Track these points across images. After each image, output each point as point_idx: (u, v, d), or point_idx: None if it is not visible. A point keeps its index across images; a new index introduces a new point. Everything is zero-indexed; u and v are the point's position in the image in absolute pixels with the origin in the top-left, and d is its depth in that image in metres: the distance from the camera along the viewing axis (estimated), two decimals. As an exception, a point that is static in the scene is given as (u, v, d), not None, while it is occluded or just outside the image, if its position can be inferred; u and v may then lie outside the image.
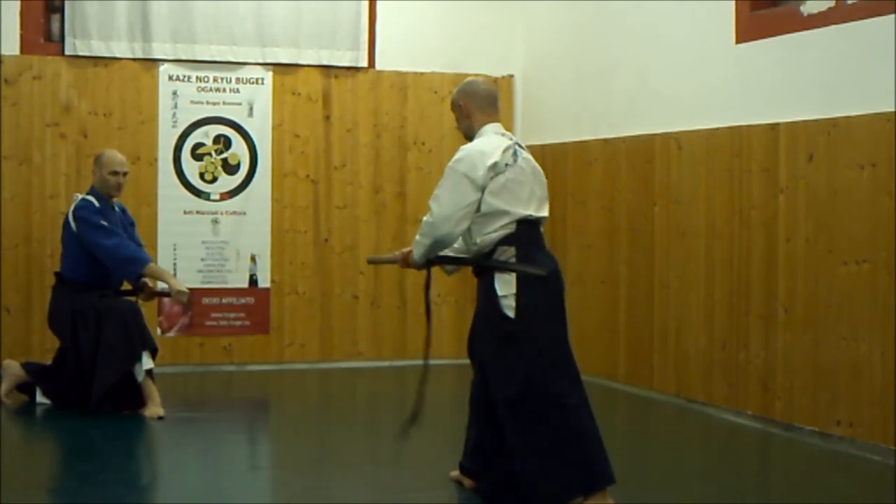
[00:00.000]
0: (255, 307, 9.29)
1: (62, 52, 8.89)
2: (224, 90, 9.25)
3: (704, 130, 7.74)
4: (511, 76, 9.88)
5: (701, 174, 7.77)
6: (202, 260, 9.17)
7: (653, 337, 8.20)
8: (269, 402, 8.60)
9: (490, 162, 5.08)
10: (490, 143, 5.20)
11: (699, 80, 7.85)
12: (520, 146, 5.29)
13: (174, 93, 9.13)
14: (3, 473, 5.78)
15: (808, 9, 6.96)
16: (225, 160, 9.25)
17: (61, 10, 8.92)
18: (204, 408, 7.71)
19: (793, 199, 6.99)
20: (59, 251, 8.78)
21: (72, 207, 7.58)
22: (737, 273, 7.43)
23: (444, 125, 9.69)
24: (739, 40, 7.49)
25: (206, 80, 9.19)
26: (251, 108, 9.30)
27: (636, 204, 8.42)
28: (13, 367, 7.72)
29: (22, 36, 8.82)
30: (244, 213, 9.28)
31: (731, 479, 6.10)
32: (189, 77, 9.16)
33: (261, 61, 9.29)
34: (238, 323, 9.28)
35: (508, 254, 5.12)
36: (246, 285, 9.28)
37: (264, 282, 9.32)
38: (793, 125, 6.99)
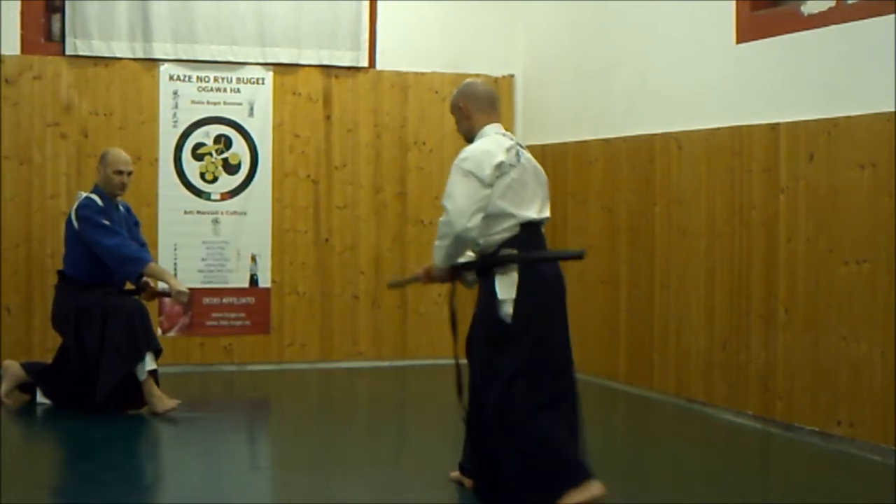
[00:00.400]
0: (255, 307, 9.30)
1: (63, 52, 8.89)
2: (225, 90, 9.26)
3: (705, 130, 7.74)
4: (511, 76, 9.88)
5: (701, 174, 7.77)
6: (203, 260, 9.17)
7: (653, 337, 8.20)
8: (270, 402, 8.60)
9: (496, 161, 5.09)
10: (494, 142, 5.20)
11: (700, 80, 7.85)
12: (520, 146, 5.30)
13: (175, 93, 9.14)
14: (3, 473, 5.78)
15: (808, 9, 6.96)
16: (225, 160, 9.25)
17: (62, 10, 8.92)
18: (204, 408, 7.71)
19: (793, 199, 6.98)
20: (59, 251, 8.79)
21: (74, 206, 7.58)
22: (737, 273, 7.43)
23: (444, 125, 9.68)
24: (740, 40, 7.49)
25: (206, 79, 9.19)
26: (252, 108, 9.30)
27: (637, 204, 8.42)
28: (13, 368, 7.72)
29: (22, 36, 8.82)
30: (245, 213, 9.28)
31: (731, 480, 6.10)
32: (190, 77, 9.16)
33: (261, 61, 9.29)
34: (238, 323, 9.28)
35: (511, 256, 5.13)
36: (246, 285, 9.28)
37: (265, 282, 9.32)
38: (793, 125, 6.99)
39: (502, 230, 5.13)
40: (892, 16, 6.33)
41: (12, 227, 8.75)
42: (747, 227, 7.34)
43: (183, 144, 9.14)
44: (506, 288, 5.11)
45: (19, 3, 8.78)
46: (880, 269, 6.38)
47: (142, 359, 7.32)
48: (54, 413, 7.44)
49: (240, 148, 9.27)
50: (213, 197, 9.21)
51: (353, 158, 9.55)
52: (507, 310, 5.10)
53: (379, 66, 9.60)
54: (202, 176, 9.20)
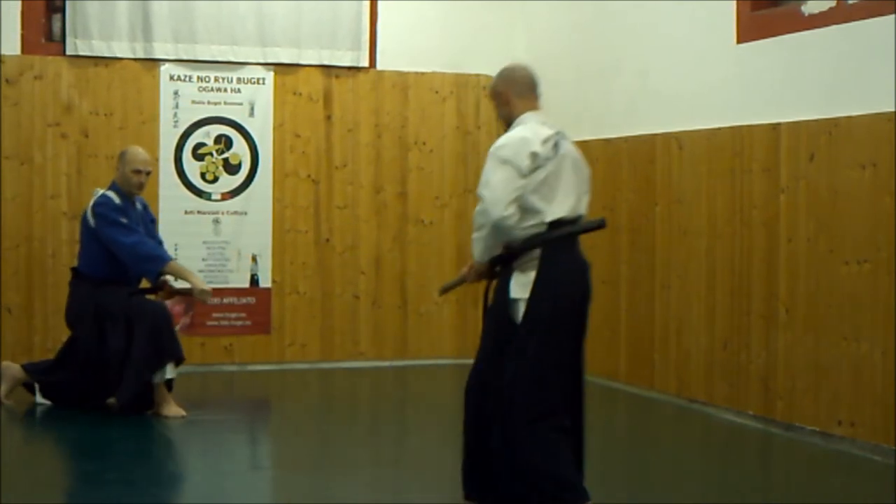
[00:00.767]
0: (256, 307, 9.29)
1: (63, 52, 8.89)
2: (225, 90, 9.25)
3: (705, 130, 7.74)
4: (512, 76, 9.87)
5: (702, 174, 7.77)
6: (203, 260, 9.16)
7: (654, 337, 8.20)
8: (270, 402, 8.60)
9: (531, 150, 4.85)
10: (531, 131, 4.95)
11: (700, 80, 7.85)
12: (562, 136, 5.02)
13: (175, 93, 9.14)
14: (4, 473, 5.78)
15: (808, 9, 6.96)
16: (226, 160, 9.25)
17: (62, 10, 8.92)
18: (205, 408, 7.70)
19: (794, 199, 6.98)
20: (60, 251, 8.82)
21: (91, 203, 7.49)
22: (738, 273, 7.42)
23: (444, 125, 9.69)
24: (740, 40, 7.49)
25: (207, 79, 9.19)
26: (252, 108, 9.30)
27: (637, 204, 8.42)
28: (11, 369, 7.69)
29: (23, 36, 8.82)
30: (245, 213, 9.27)
31: (731, 480, 6.10)
32: (190, 77, 9.16)
33: (262, 61, 9.29)
34: (239, 323, 9.28)
35: (533, 254, 4.86)
36: (247, 285, 9.28)
37: (265, 282, 9.32)
38: (794, 125, 6.99)
39: (529, 226, 4.85)
40: (893, 16, 6.33)
41: (13, 227, 8.75)
42: (748, 227, 7.34)
43: (183, 144, 9.14)
44: (519, 287, 4.86)
45: (20, 3, 8.77)
46: (881, 269, 6.38)
47: (163, 367, 7.27)
48: (55, 413, 7.44)
49: (240, 148, 9.27)
50: (213, 197, 9.21)
51: (354, 158, 9.55)
52: (519, 310, 4.85)
53: (379, 66, 9.59)
54: (203, 176, 9.20)
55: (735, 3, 7.52)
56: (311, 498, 5.60)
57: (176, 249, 9.05)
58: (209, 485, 5.96)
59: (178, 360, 7.39)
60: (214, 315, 9.16)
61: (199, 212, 9.15)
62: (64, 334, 8.76)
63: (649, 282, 8.24)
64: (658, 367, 8.16)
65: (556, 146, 4.93)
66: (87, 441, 6.82)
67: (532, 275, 4.83)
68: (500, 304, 4.93)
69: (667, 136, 8.11)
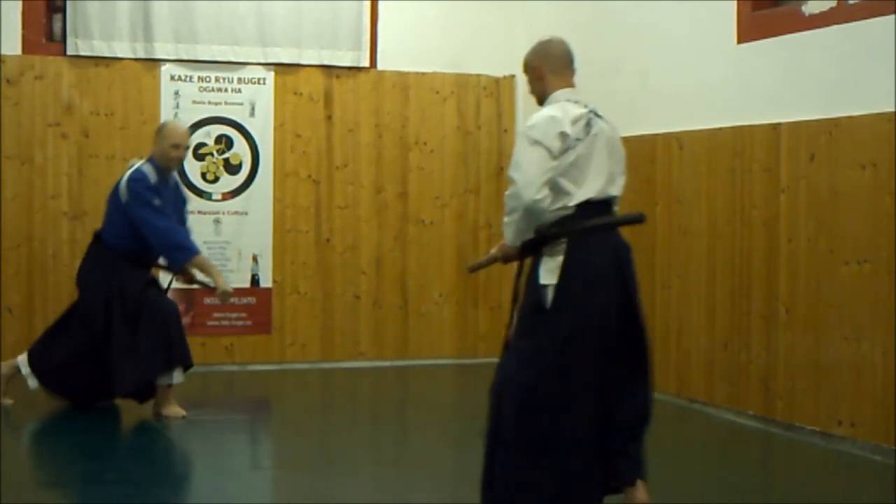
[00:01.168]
0: (256, 307, 9.30)
1: (64, 52, 8.90)
2: (226, 90, 9.26)
3: (706, 130, 7.74)
4: (512, 76, 9.88)
5: (702, 174, 7.77)
6: (204, 260, 9.16)
7: (654, 337, 8.16)
8: (271, 402, 8.61)
9: (561, 130, 4.64)
10: (561, 110, 4.75)
11: (700, 80, 7.85)
12: (596, 115, 4.82)
13: (176, 93, 9.14)
14: (3, 473, 5.78)
15: (809, 9, 6.96)
16: (227, 160, 9.25)
17: (63, 10, 8.92)
18: (206, 408, 7.70)
19: (794, 199, 6.99)
20: (60, 251, 8.83)
21: (126, 175, 7.35)
22: (738, 273, 7.43)
23: (445, 125, 9.70)
24: (741, 40, 7.49)
25: (207, 80, 9.20)
26: (253, 108, 9.30)
27: (638, 204, 8.39)
28: (4, 368, 7.58)
29: (24, 36, 8.82)
30: (246, 213, 9.28)
31: (732, 480, 6.10)
32: (191, 77, 9.17)
33: (262, 61, 9.29)
34: (240, 323, 9.28)
35: (563, 238, 4.63)
36: (248, 285, 9.28)
37: (266, 282, 9.33)
38: (794, 125, 6.99)
39: (557, 208, 4.63)
40: (893, 16, 6.33)
41: (13, 227, 8.75)
42: (748, 227, 7.34)
43: (184, 144, 9.13)
44: (548, 272, 4.62)
45: (20, 3, 8.78)
46: (881, 269, 6.38)
47: (172, 370, 7.22)
48: (54, 413, 7.44)
49: (241, 148, 9.28)
50: (214, 197, 9.22)
51: (355, 158, 9.55)
52: (547, 297, 4.60)
53: (380, 66, 9.60)
54: (203, 176, 9.20)
55: (735, 3, 7.52)
56: (311, 498, 5.60)
57: (176, 249, 9.06)
58: (210, 485, 5.96)
59: (187, 366, 7.34)
60: (215, 315, 9.17)
61: (199, 212, 9.14)
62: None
63: (649, 282, 8.24)
64: (658, 366, 8.10)
65: (588, 125, 4.74)
66: (87, 441, 6.81)
67: (560, 259, 4.61)
68: (529, 290, 4.69)
69: (667, 136, 8.11)
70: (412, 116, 9.66)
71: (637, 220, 4.89)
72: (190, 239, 7.42)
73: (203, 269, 7.41)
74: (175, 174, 7.61)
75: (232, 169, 9.25)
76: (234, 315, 9.23)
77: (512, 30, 9.87)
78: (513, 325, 4.76)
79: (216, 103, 9.22)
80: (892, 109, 6.30)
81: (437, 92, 9.70)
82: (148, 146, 9.05)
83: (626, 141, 8.51)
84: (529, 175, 4.59)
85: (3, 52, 8.72)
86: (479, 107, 9.79)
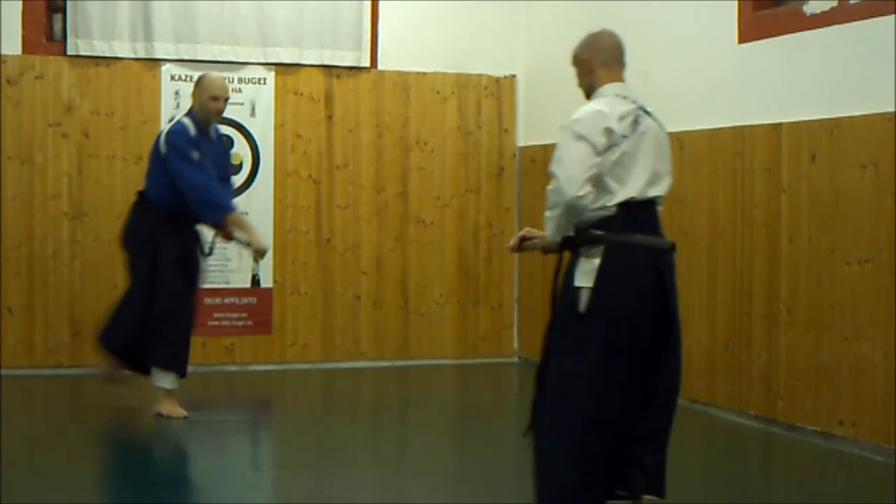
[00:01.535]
0: (257, 307, 9.29)
1: (64, 52, 8.89)
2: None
3: (707, 130, 7.74)
4: (513, 76, 9.88)
5: (704, 174, 7.77)
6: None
7: (655, 337, 8.19)
8: (272, 403, 8.60)
9: (606, 125, 4.49)
10: (608, 104, 4.59)
11: (702, 79, 7.85)
12: (645, 111, 4.68)
13: (176, 93, 9.13)
14: (3, 473, 5.78)
15: (810, 9, 6.96)
16: (227, 160, 9.24)
17: (63, 10, 8.92)
18: (206, 408, 7.71)
19: (795, 199, 6.98)
20: (60, 251, 8.83)
21: (166, 129, 7.32)
22: (739, 273, 7.42)
23: (446, 125, 9.69)
24: (742, 40, 7.49)
25: (208, 80, 9.18)
26: (253, 108, 9.30)
27: (638, 204, 8.41)
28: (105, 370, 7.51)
29: (24, 36, 8.82)
30: (246, 213, 9.21)
31: (733, 480, 6.10)
32: (191, 77, 9.13)
33: (263, 61, 9.29)
34: (240, 323, 9.28)
35: (597, 244, 4.48)
36: (248, 285, 9.28)
37: (266, 282, 9.32)
38: (795, 125, 6.99)
39: (597, 208, 4.47)
40: (894, 16, 6.33)
41: (14, 226, 8.75)
42: (749, 227, 7.34)
43: (185, 144, 9.13)
44: (584, 275, 4.47)
45: (21, 3, 8.77)
46: (882, 269, 6.38)
47: (149, 359, 7.18)
48: (54, 413, 7.43)
49: (241, 148, 9.27)
50: (214, 197, 9.20)
51: (355, 158, 9.55)
52: (582, 300, 4.44)
53: (380, 67, 9.59)
54: (204, 176, 9.19)
55: (737, 3, 7.52)
56: (312, 498, 5.60)
57: (177, 249, 9.06)
58: (210, 485, 5.96)
59: (181, 374, 7.29)
60: (216, 315, 9.16)
61: (200, 212, 9.14)
62: (64, 334, 8.80)
63: (650, 282, 8.23)
64: (659, 367, 8.14)
65: (635, 122, 4.58)
66: (87, 441, 6.81)
67: (597, 263, 4.46)
68: (564, 290, 4.55)
69: (668, 136, 8.08)
70: (413, 116, 9.66)
71: (666, 248, 4.62)
72: (225, 195, 7.30)
73: (238, 227, 7.30)
74: (218, 127, 7.58)
75: (232, 169, 9.24)
76: (234, 315, 9.23)
77: (513, 30, 9.88)
78: (551, 326, 4.64)
79: (217, 103, 9.20)
80: (893, 109, 6.30)
81: (438, 92, 9.69)
82: (148, 146, 9.06)
83: (627, 141, 8.57)
84: (572, 171, 4.45)
85: (4, 52, 8.72)
86: (480, 107, 9.79)
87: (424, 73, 9.67)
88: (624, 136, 4.52)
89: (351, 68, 9.50)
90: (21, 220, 8.77)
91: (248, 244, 7.37)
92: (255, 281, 9.30)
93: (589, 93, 4.79)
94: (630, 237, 4.50)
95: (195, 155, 7.13)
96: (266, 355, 9.31)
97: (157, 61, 9.07)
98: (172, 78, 9.12)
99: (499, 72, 9.84)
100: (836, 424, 6.66)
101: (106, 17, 8.91)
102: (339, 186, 9.50)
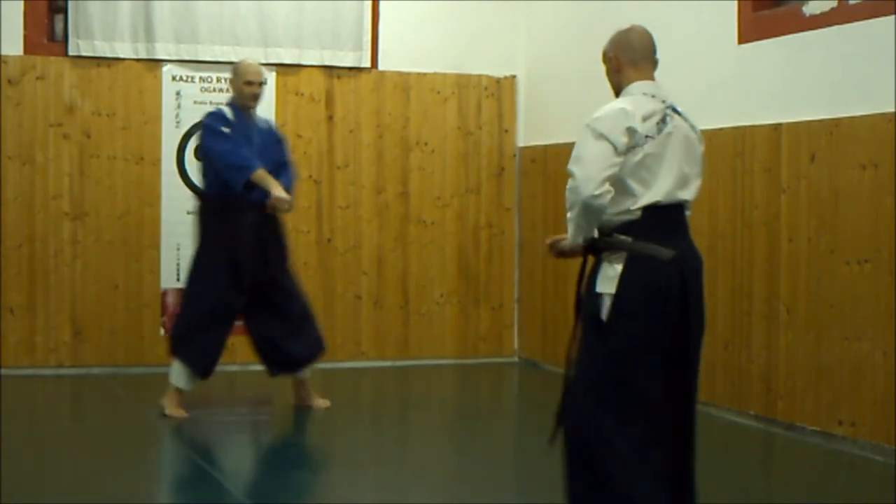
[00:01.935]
0: (257, 307, 9.28)
1: (65, 53, 8.90)
2: (227, 90, 9.20)
3: (707, 131, 7.69)
4: (513, 77, 9.89)
5: (704, 174, 7.75)
6: (205, 260, 9.15)
7: (655, 337, 8.19)
8: (272, 402, 8.61)
9: (629, 125, 4.29)
10: (633, 103, 4.41)
11: (702, 80, 7.85)
12: (674, 110, 4.52)
13: (177, 93, 9.15)
14: (4, 473, 5.79)
15: (810, 9, 6.97)
16: (228, 160, 9.24)
17: (65, 11, 8.93)
18: (207, 408, 7.71)
19: (795, 199, 6.99)
20: (61, 251, 8.85)
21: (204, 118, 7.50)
22: (739, 273, 7.43)
23: (446, 125, 9.70)
24: (742, 41, 7.49)
25: (209, 80, 9.20)
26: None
27: (639, 204, 8.42)
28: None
29: (25, 36, 8.83)
30: (247, 214, 9.27)
31: (733, 479, 6.10)
32: (192, 77, 9.17)
33: (263, 62, 9.27)
34: (241, 323, 9.26)
35: (619, 250, 4.32)
36: (249, 285, 9.26)
37: (267, 282, 9.31)
38: (795, 125, 7.00)
39: (621, 211, 4.31)
40: (894, 16, 6.33)
41: (15, 227, 8.75)
42: (749, 228, 7.34)
43: (185, 145, 9.14)
44: (606, 280, 4.30)
45: (22, 3, 8.79)
46: (882, 269, 6.38)
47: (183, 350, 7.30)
48: (54, 413, 7.44)
49: (242, 148, 9.27)
50: (215, 197, 9.20)
51: (356, 159, 9.56)
52: (604, 306, 4.28)
53: (381, 67, 9.60)
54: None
55: (737, 3, 7.52)
56: (313, 497, 5.61)
57: (178, 249, 9.07)
58: (210, 484, 5.96)
59: (200, 375, 7.37)
60: (216, 315, 9.15)
61: (201, 212, 9.15)
62: (65, 334, 8.81)
63: (651, 282, 8.24)
64: (659, 367, 8.15)
65: (662, 122, 4.41)
66: (87, 441, 6.82)
67: (619, 268, 4.28)
68: (586, 298, 4.39)
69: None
70: (413, 117, 9.67)
71: (663, 256, 4.36)
72: (248, 158, 7.26)
73: (262, 184, 7.27)
74: (269, 120, 7.73)
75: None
76: (235, 315, 9.22)
77: (513, 30, 9.88)
78: (576, 334, 4.47)
79: (217, 104, 9.14)
80: (893, 110, 6.31)
81: (438, 92, 9.70)
82: (149, 146, 9.11)
83: (627, 141, 8.57)
84: (590, 170, 4.26)
85: (5, 53, 8.73)
86: (480, 107, 9.80)
87: (425, 74, 9.68)
88: (648, 137, 4.35)
89: (351, 69, 9.51)
90: (22, 220, 8.78)
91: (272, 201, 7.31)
92: (256, 281, 9.28)
93: (618, 91, 4.60)
94: (663, 241, 4.32)
95: (225, 129, 7.24)
96: (267, 355, 9.30)
97: (158, 62, 9.07)
98: (173, 78, 9.13)
99: (499, 72, 9.85)
100: (835, 424, 6.66)
101: (107, 17, 8.92)
102: (340, 187, 9.51)
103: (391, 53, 9.60)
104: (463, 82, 9.76)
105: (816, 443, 6.74)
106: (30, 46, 8.84)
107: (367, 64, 9.54)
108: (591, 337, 4.34)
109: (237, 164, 7.19)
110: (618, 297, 4.25)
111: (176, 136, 9.13)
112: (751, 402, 7.31)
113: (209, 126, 7.30)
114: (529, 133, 9.77)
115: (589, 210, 4.28)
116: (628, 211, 4.32)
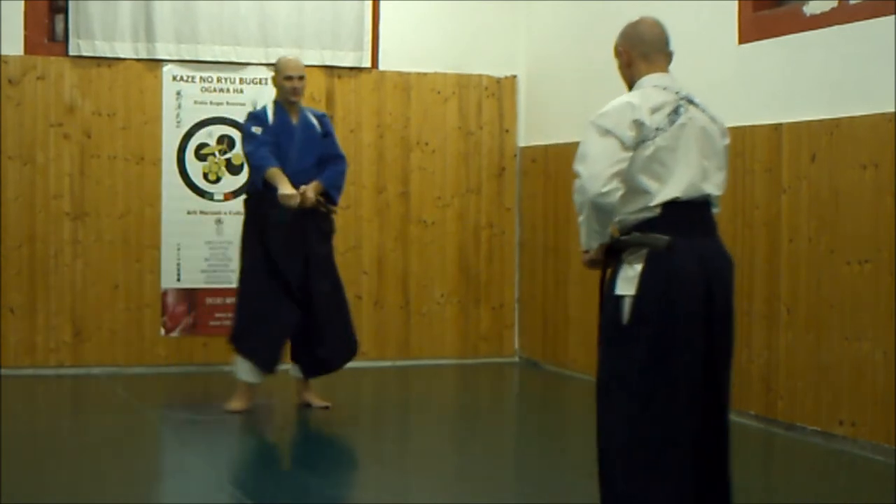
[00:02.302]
0: (258, 307, 9.28)
1: (66, 53, 8.91)
2: (228, 90, 9.26)
3: (707, 131, 7.73)
4: (514, 77, 9.89)
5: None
6: (206, 260, 9.17)
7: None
8: (273, 402, 8.60)
9: (636, 118, 4.09)
10: (641, 96, 4.20)
11: (702, 80, 7.82)
12: (690, 101, 4.30)
13: (178, 93, 9.15)
14: (3, 474, 5.79)
15: (811, 9, 6.97)
16: (229, 160, 9.26)
17: (65, 11, 8.93)
18: (207, 408, 7.71)
19: (795, 200, 6.99)
20: (62, 251, 8.85)
21: None
22: (739, 273, 7.35)
23: (447, 125, 9.70)
24: (742, 40, 7.49)
25: (209, 80, 9.21)
26: (255, 109, 9.30)
27: (639, 204, 8.41)
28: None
29: (26, 36, 8.83)
30: (248, 213, 9.27)
31: (733, 479, 6.09)
32: (193, 77, 9.18)
33: (264, 61, 9.29)
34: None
35: (641, 246, 4.12)
36: (249, 285, 9.26)
37: (268, 282, 9.31)
38: (796, 125, 7.00)
39: (638, 210, 4.11)
40: (894, 16, 6.33)
41: (15, 227, 8.76)
42: (749, 227, 7.34)
43: (186, 145, 9.15)
44: (625, 282, 4.11)
45: (22, 3, 8.79)
46: (882, 269, 6.38)
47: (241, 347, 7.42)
48: (53, 413, 7.44)
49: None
50: (216, 197, 9.22)
51: (356, 159, 9.54)
52: (624, 309, 4.10)
53: (381, 67, 9.60)
54: (205, 176, 9.21)
55: (737, 3, 7.52)
56: (313, 497, 5.61)
57: (178, 249, 9.08)
58: (211, 484, 5.96)
59: (265, 369, 7.46)
60: (217, 315, 9.17)
61: (201, 212, 9.16)
62: (66, 334, 8.81)
63: (651, 282, 8.24)
64: (660, 367, 8.15)
65: (674, 114, 4.18)
66: (87, 441, 6.82)
67: (639, 268, 4.08)
68: (606, 299, 4.20)
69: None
70: (414, 117, 9.67)
71: (656, 244, 4.12)
72: (265, 157, 7.34)
73: (273, 182, 7.32)
74: (319, 112, 7.86)
75: (234, 169, 9.25)
76: (235, 315, 9.22)
77: (513, 30, 9.88)
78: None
79: (218, 104, 9.23)
80: (894, 110, 6.31)
81: (439, 92, 9.70)
82: (150, 146, 9.11)
83: (628, 141, 8.57)
84: (596, 167, 4.04)
85: (5, 53, 8.73)
86: (481, 107, 9.80)
87: (425, 74, 9.68)
88: (659, 130, 4.11)
89: (352, 69, 9.51)
90: (23, 220, 8.78)
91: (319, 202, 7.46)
92: (257, 281, 9.28)
93: (631, 86, 4.38)
94: (676, 241, 4.07)
95: (256, 130, 7.38)
96: (267, 355, 9.30)
97: (158, 62, 9.08)
98: (174, 78, 9.13)
99: (499, 72, 9.85)
100: (836, 424, 6.66)
101: (107, 17, 8.92)
102: (340, 187, 9.50)
103: (391, 53, 9.60)
104: (463, 82, 9.76)
105: (817, 443, 6.74)
106: (30, 46, 8.85)
107: (368, 64, 9.54)
108: (612, 343, 4.16)
109: (254, 165, 7.39)
110: (638, 299, 4.06)
111: (176, 136, 9.14)
112: (751, 401, 7.31)
113: (243, 127, 7.62)
114: (530, 133, 9.78)
115: (598, 210, 4.06)
116: (647, 209, 4.10)
